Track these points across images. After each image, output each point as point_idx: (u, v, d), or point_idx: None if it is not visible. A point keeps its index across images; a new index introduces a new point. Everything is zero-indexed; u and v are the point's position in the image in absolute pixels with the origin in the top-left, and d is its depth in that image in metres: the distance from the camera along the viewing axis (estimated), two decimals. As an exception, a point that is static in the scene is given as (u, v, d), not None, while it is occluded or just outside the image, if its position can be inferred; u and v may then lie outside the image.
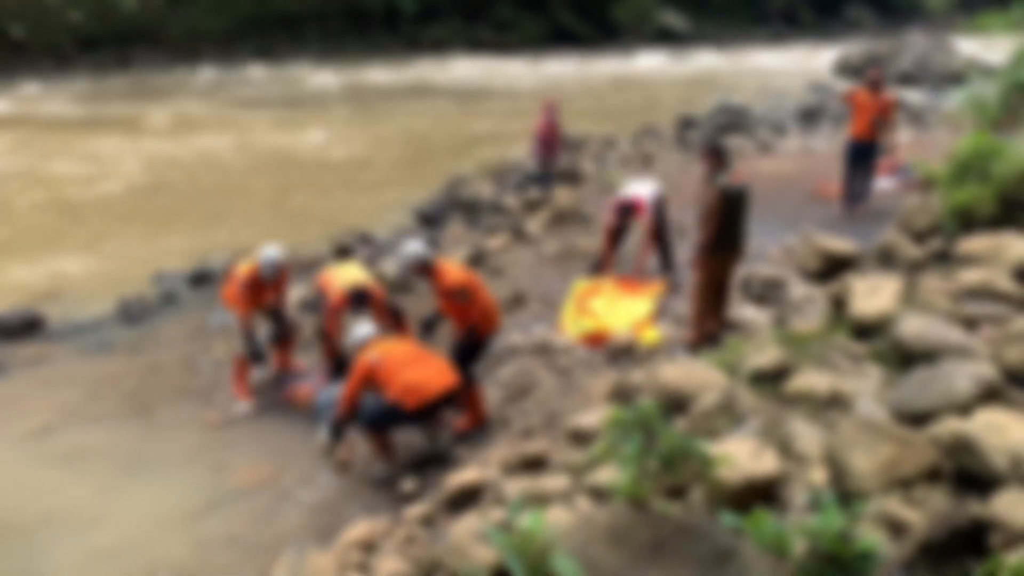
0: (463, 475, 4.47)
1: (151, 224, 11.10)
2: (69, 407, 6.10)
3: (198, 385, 6.46)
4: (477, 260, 8.68)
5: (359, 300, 5.93)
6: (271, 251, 6.23)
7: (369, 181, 13.45)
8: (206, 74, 27.51)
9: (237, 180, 13.59)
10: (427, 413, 5.13)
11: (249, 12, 32.83)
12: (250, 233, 10.26)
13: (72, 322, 7.77)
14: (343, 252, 9.31)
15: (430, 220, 10.67)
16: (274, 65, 29.77)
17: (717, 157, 5.66)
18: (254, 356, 6.14)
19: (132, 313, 7.90)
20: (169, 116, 19.47)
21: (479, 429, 5.52)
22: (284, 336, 6.58)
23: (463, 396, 5.41)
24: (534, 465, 4.43)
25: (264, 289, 6.31)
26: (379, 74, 28.16)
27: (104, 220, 11.34)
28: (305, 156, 15.52)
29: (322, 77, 27.29)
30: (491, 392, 5.84)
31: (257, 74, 28.01)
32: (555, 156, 10.78)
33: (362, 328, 5.52)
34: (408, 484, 4.93)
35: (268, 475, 5.19)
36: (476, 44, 35.39)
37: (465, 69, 29.60)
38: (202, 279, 8.74)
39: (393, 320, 6.06)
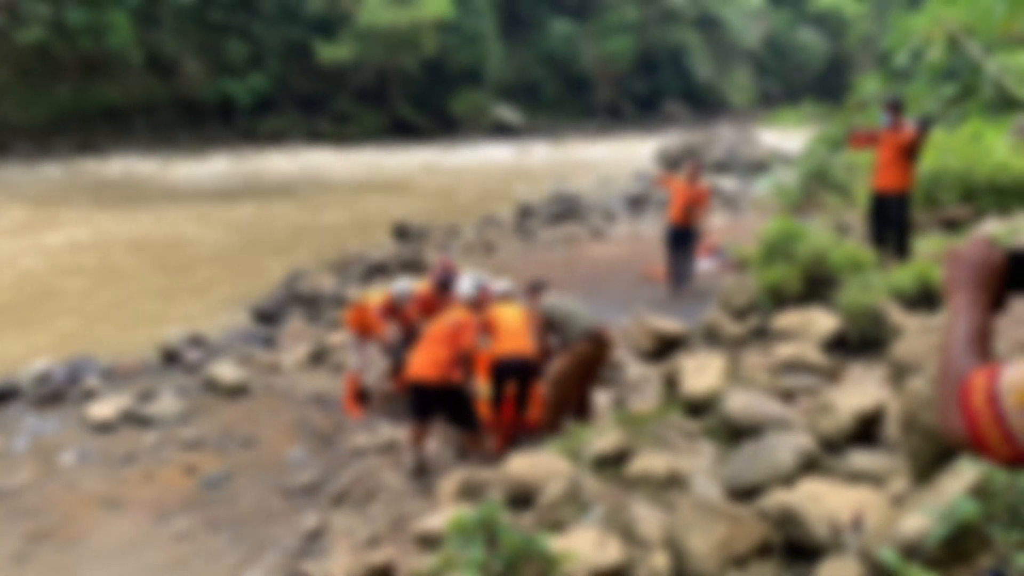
0: (304, 594, 4.15)
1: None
2: None
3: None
4: (319, 356, 8.38)
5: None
6: (402, 283, 7.38)
7: (198, 279, 12.80)
8: (12, 170, 25.55)
9: (42, 282, 12.51)
10: (425, 400, 5.53)
11: (68, 104, 31.12)
12: (65, 340, 9.40)
13: None
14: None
15: (268, 317, 10.25)
16: (97, 158, 28.18)
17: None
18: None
19: (-85, 440, 6.90)
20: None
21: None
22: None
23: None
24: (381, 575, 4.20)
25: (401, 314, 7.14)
26: (212, 167, 27.34)
27: None
28: (124, 254, 14.59)
29: (146, 169, 26.11)
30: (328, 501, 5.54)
31: (74, 168, 26.34)
32: None
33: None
34: (244, 610, 4.52)
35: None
36: (315, 136, 35.35)
37: (303, 161, 29.36)
38: (4, 396, 7.82)
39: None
